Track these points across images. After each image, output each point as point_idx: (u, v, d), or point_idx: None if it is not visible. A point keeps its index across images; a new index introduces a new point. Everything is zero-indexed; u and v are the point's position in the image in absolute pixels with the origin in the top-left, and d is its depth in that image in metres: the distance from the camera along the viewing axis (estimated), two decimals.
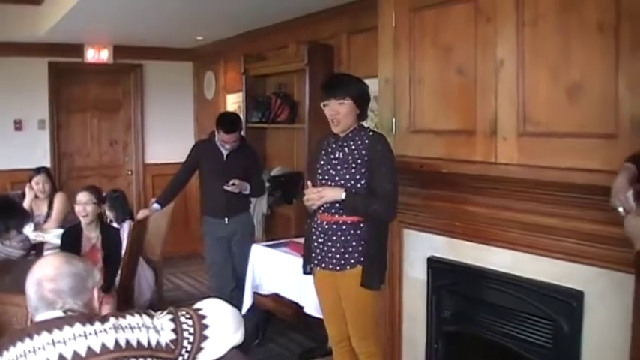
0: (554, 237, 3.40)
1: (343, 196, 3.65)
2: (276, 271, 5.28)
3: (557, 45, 3.26)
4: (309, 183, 3.83)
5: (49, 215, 6.43)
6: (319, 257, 3.85)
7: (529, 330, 3.61)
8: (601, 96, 3.07)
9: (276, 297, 5.61)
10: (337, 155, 3.79)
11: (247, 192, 5.67)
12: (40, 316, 2.21)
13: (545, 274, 3.50)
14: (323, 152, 3.88)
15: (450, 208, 4.03)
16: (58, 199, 6.51)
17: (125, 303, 5.16)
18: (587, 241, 3.24)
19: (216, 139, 5.60)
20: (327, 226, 3.79)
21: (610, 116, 3.03)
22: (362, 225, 3.73)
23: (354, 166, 3.71)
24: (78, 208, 5.08)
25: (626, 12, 2.94)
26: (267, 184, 6.57)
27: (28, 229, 5.70)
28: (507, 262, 3.72)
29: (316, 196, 3.72)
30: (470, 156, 3.76)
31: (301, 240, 4.66)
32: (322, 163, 3.85)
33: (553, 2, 3.27)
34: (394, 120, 4.28)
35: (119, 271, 5.22)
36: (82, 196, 5.09)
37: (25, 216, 5.18)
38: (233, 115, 5.93)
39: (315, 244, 3.86)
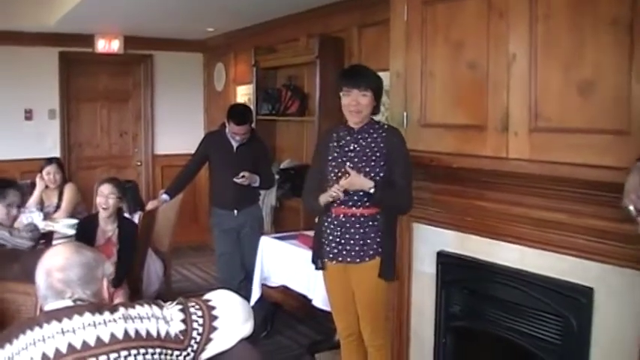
0: (565, 233, 3.39)
1: (372, 191, 3.66)
2: (284, 263, 5.29)
3: (570, 40, 3.23)
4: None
5: (58, 205, 6.45)
6: (335, 251, 3.85)
7: (538, 326, 3.60)
8: (613, 92, 3.05)
9: (284, 289, 5.62)
10: (352, 148, 3.80)
11: (257, 184, 5.67)
12: (50, 306, 2.22)
13: (555, 270, 3.49)
14: (335, 145, 3.87)
15: (460, 202, 4.02)
16: (68, 190, 6.52)
17: (134, 293, 5.16)
18: (597, 238, 3.22)
19: (227, 130, 5.60)
20: (344, 219, 3.79)
21: (622, 112, 3.01)
22: (378, 216, 3.75)
23: (373, 158, 3.73)
24: (100, 200, 5.05)
25: None
26: (276, 177, 6.57)
27: (38, 218, 5.72)
28: (517, 257, 3.71)
29: (347, 180, 3.69)
30: (481, 151, 3.74)
31: (310, 233, 4.66)
32: (335, 155, 3.84)
33: None
34: (405, 114, 4.26)
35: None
36: (105, 188, 5.06)
37: (18, 191, 5.11)
38: (244, 107, 5.94)
39: (331, 238, 3.85)
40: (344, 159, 3.80)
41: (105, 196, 5.03)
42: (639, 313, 3.08)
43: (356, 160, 3.77)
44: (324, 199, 3.78)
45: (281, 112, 7.23)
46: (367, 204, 3.74)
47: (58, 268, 2.24)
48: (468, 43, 3.82)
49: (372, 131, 3.80)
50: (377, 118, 3.97)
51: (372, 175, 3.71)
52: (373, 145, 3.76)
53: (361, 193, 3.71)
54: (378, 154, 3.74)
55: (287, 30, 7.33)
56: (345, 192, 3.72)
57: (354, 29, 6.25)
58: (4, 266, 4.40)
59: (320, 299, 4.65)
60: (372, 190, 3.66)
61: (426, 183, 4.18)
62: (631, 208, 2.49)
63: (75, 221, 5.71)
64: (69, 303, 2.19)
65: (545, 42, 3.35)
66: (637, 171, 2.57)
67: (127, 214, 5.82)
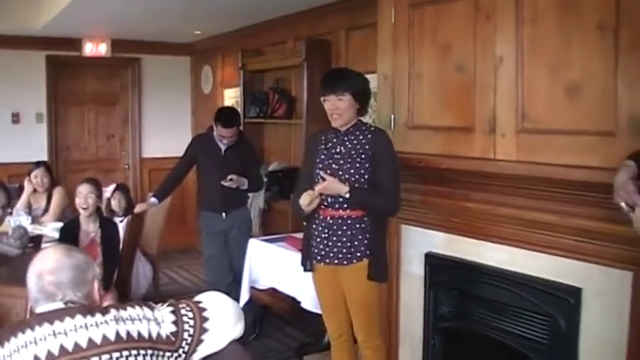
0: (553, 233, 3.42)
1: (347, 195, 3.66)
2: (273, 265, 5.29)
3: (556, 43, 3.26)
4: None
5: (46, 209, 6.43)
6: (322, 253, 3.85)
7: (526, 326, 3.62)
8: (600, 94, 3.08)
9: (273, 292, 5.62)
10: (339, 150, 3.80)
11: (245, 187, 5.68)
12: (41, 308, 2.21)
13: (543, 270, 3.51)
14: (323, 147, 3.88)
15: (449, 204, 4.04)
16: (57, 193, 6.51)
17: (122, 297, 5.16)
18: (585, 238, 3.25)
19: (215, 133, 5.61)
20: (331, 221, 3.79)
21: (609, 114, 3.04)
22: (366, 218, 3.75)
23: (358, 160, 3.73)
24: (79, 200, 5.06)
25: (626, 11, 2.94)
26: (264, 179, 6.57)
27: (25, 222, 5.70)
28: (505, 258, 3.73)
29: (320, 186, 3.70)
30: (468, 152, 3.76)
31: (298, 235, 4.67)
32: (322, 157, 3.85)
33: (553, 0, 3.28)
34: (393, 116, 4.28)
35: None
36: (83, 188, 5.08)
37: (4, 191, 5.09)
38: (232, 110, 5.94)
39: (319, 239, 3.86)
40: (330, 161, 3.81)
41: (84, 196, 5.04)
42: (626, 312, 3.10)
43: (341, 162, 3.77)
44: (305, 208, 3.79)
45: (268, 114, 7.24)
46: (354, 206, 3.76)
47: (49, 270, 2.23)
48: (456, 46, 3.85)
49: (358, 133, 3.80)
50: (364, 119, 3.97)
51: (357, 177, 3.72)
52: (359, 147, 3.77)
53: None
54: (363, 156, 3.74)
55: (274, 33, 7.34)
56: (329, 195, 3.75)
57: (341, 32, 6.26)
58: None
59: (309, 301, 4.65)
60: (347, 195, 3.67)
61: (414, 185, 4.19)
62: (622, 204, 2.51)
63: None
64: (60, 305, 2.19)
65: (531, 44, 3.38)
66: (624, 168, 2.60)
67: (120, 217, 5.84)
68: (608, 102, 3.03)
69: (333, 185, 3.69)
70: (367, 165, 3.73)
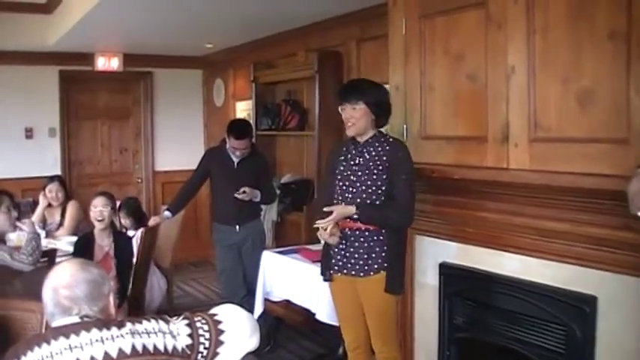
0: (567, 242, 3.40)
1: (356, 216, 3.70)
2: (287, 277, 5.28)
3: (568, 51, 3.25)
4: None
5: (61, 223, 6.46)
6: (340, 264, 3.87)
7: (542, 336, 3.60)
8: (612, 101, 3.07)
9: (286, 304, 5.60)
10: (357, 161, 3.82)
11: (258, 199, 5.68)
12: (57, 322, 2.22)
13: (558, 279, 3.49)
14: (342, 158, 3.91)
15: (462, 214, 4.04)
16: (71, 207, 6.54)
17: (136, 310, 5.16)
18: (599, 246, 3.24)
19: (227, 146, 5.62)
20: (349, 233, 3.81)
21: (621, 121, 3.03)
22: (383, 231, 3.76)
23: (375, 172, 3.75)
24: (94, 213, 5.09)
25: (637, 18, 2.93)
26: (277, 191, 6.58)
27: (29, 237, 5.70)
28: (519, 267, 3.72)
29: (331, 218, 3.75)
30: (481, 162, 3.76)
31: (312, 247, 4.67)
32: (342, 168, 3.87)
33: (564, 9, 3.27)
34: (405, 126, 4.28)
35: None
36: (98, 201, 5.11)
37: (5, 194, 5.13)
38: (244, 122, 5.98)
39: (336, 250, 3.88)
40: (349, 172, 3.84)
41: (99, 208, 5.07)
42: None
43: (359, 173, 3.79)
44: (329, 241, 3.87)
45: (281, 126, 7.26)
46: (365, 223, 3.77)
47: (64, 285, 2.24)
48: (467, 55, 3.85)
49: (377, 144, 3.82)
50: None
51: (374, 188, 3.74)
52: (376, 158, 3.78)
53: None
54: (380, 167, 3.75)
55: (285, 45, 7.35)
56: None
57: (352, 43, 6.28)
58: (5, 282, 4.41)
59: (324, 313, 4.64)
60: (355, 216, 3.72)
61: (428, 195, 4.19)
62: (639, 214, 2.49)
63: None
64: (76, 319, 2.19)
65: (543, 53, 3.38)
66: (637, 176, 2.58)
67: (131, 231, 5.85)
68: (620, 109, 3.03)
69: (342, 212, 3.75)
70: (384, 176, 3.74)
